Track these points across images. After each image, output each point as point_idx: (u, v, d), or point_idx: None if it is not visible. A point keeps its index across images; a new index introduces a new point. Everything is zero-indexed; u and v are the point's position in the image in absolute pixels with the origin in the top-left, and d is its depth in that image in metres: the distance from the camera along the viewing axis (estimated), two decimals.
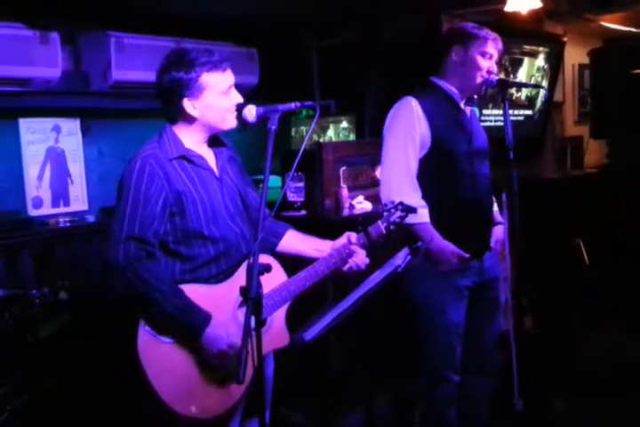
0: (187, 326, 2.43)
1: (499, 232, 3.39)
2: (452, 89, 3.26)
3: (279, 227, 2.83)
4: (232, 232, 2.57)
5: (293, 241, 2.80)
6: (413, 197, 3.11)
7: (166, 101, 2.52)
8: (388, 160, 3.23)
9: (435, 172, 3.20)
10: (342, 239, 2.69)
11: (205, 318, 2.44)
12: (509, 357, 3.34)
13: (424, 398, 3.44)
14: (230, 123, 2.55)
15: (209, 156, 2.61)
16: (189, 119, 2.52)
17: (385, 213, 2.64)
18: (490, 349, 3.43)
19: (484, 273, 3.32)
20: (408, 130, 3.17)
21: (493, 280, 3.39)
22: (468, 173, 3.22)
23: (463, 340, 3.30)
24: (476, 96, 3.31)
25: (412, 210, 2.66)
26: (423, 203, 3.14)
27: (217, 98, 2.49)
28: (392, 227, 2.64)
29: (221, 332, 2.45)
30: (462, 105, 3.29)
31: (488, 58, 3.19)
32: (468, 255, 3.17)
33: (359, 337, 3.84)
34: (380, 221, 2.64)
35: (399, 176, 3.17)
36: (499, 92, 3.29)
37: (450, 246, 3.16)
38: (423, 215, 3.11)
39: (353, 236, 2.67)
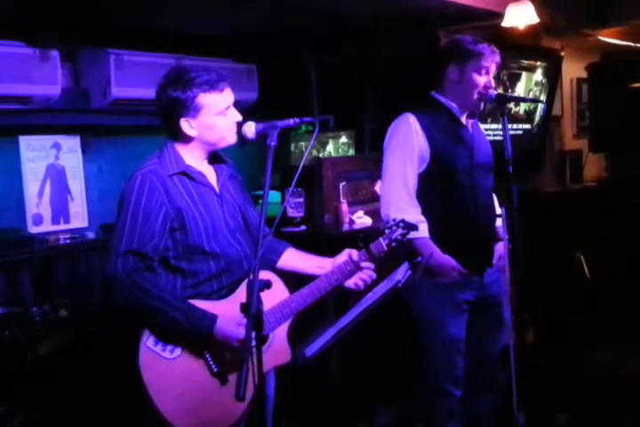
0: (194, 329, 2.42)
1: (502, 248, 3.36)
2: (451, 104, 3.27)
3: (279, 245, 2.84)
4: (233, 248, 2.57)
5: (292, 259, 2.80)
6: (412, 213, 3.12)
7: (165, 120, 2.54)
8: (387, 177, 3.25)
9: (435, 186, 3.21)
10: (343, 256, 2.69)
11: (211, 317, 2.43)
12: (510, 371, 3.33)
13: (425, 412, 3.43)
14: (229, 140, 2.55)
15: (209, 172, 2.62)
16: (187, 138, 2.53)
17: (387, 231, 2.64)
18: (493, 364, 3.42)
19: (485, 289, 3.32)
20: (406, 146, 3.18)
21: (495, 296, 3.37)
22: (469, 187, 3.23)
23: (466, 355, 3.29)
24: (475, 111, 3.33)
25: (414, 227, 2.66)
26: (422, 218, 3.14)
27: (214, 118, 2.49)
28: (394, 244, 2.64)
29: (232, 325, 2.43)
30: (463, 119, 3.30)
31: (485, 73, 3.20)
32: (465, 271, 3.18)
33: (360, 352, 3.83)
34: (381, 239, 2.64)
35: (397, 193, 3.18)
36: (497, 107, 3.30)
37: (450, 261, 3.17)
38: (423, 230, 3.11)
39: (354, 253, 2.66)
